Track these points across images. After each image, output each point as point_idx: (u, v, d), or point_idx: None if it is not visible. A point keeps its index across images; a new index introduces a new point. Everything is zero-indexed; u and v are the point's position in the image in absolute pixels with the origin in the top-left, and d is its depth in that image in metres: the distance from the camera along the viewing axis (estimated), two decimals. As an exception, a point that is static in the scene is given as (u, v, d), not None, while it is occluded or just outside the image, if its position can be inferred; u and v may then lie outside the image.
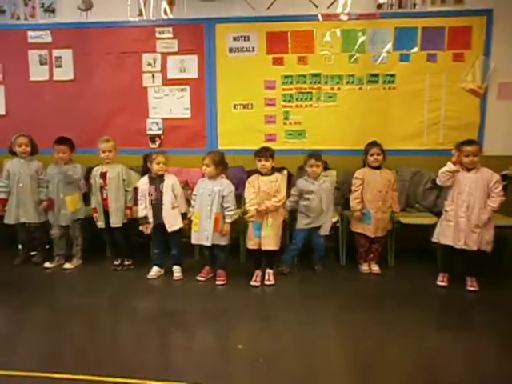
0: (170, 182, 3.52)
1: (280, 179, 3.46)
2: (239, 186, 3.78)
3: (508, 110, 4.08)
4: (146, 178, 3.56)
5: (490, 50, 4.00)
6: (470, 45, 4.02)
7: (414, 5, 4.05)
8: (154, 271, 3.59)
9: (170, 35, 4.28)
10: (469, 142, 3.25)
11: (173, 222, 3.51)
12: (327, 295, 3.26)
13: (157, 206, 3.50)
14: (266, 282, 3.41)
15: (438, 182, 3.39)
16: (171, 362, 2.46)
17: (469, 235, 3.22)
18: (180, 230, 3.56)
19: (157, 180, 3.51)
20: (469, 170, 3.27)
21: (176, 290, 3.39)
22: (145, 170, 3.62)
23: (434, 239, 3.41)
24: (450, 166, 3.26)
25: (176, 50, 4.28)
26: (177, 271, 3.60)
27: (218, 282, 3.44)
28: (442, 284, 3.37)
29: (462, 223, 3.24)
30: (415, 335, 2.70)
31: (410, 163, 4.07)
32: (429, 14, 4.03)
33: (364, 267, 3.68)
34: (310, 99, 4.20)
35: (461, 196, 3.26)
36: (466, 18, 4.00)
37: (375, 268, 3.66)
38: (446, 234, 3.32)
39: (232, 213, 3.39)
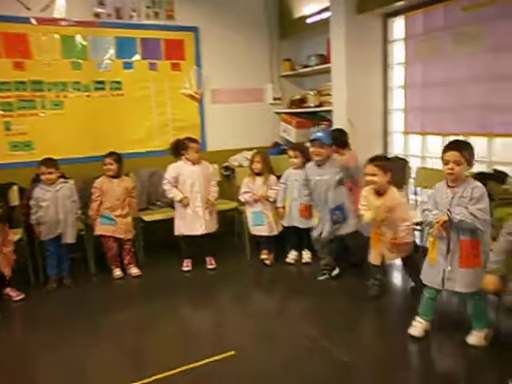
0: None
1: None
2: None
3: (221, 111, 4.81)
4: None
5: (201, 61, 4.63)
6: (184, 56, 4.55)
7: (131, 16, 4.30)
8: None
9: None
10: (192, 141, 3.70)
11: None
12: (75, 306, 3.22)
13: None
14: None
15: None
16: None
17: (204, 221, 3.68)
18: None
19: None
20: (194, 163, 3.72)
21: None
22: None
23: (176, 233, 3.76)
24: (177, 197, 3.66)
25: None
26: None
27: None
28: (187, 269, 3.78)
29: (200, 212, 3.67)
30: (172, 315, 3.08)
31: (147, 164, 4.32)
32: (145, 26, 4.33)
33: (117, 272, 3.68)
34: (34, 107, 3.94)
35: (194, 188, 3.67)
36: (177, 33, 4.49)
37: (135, 271, 3.71)
38: (186, 225, 3.70)
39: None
